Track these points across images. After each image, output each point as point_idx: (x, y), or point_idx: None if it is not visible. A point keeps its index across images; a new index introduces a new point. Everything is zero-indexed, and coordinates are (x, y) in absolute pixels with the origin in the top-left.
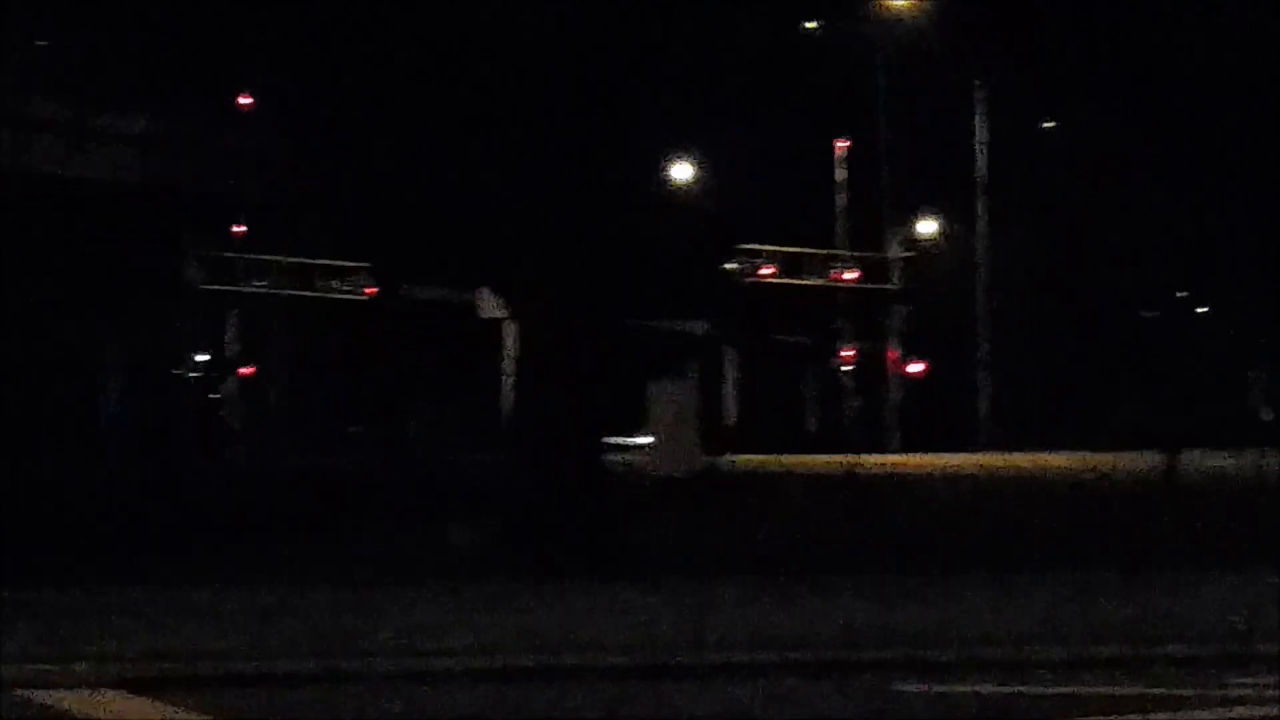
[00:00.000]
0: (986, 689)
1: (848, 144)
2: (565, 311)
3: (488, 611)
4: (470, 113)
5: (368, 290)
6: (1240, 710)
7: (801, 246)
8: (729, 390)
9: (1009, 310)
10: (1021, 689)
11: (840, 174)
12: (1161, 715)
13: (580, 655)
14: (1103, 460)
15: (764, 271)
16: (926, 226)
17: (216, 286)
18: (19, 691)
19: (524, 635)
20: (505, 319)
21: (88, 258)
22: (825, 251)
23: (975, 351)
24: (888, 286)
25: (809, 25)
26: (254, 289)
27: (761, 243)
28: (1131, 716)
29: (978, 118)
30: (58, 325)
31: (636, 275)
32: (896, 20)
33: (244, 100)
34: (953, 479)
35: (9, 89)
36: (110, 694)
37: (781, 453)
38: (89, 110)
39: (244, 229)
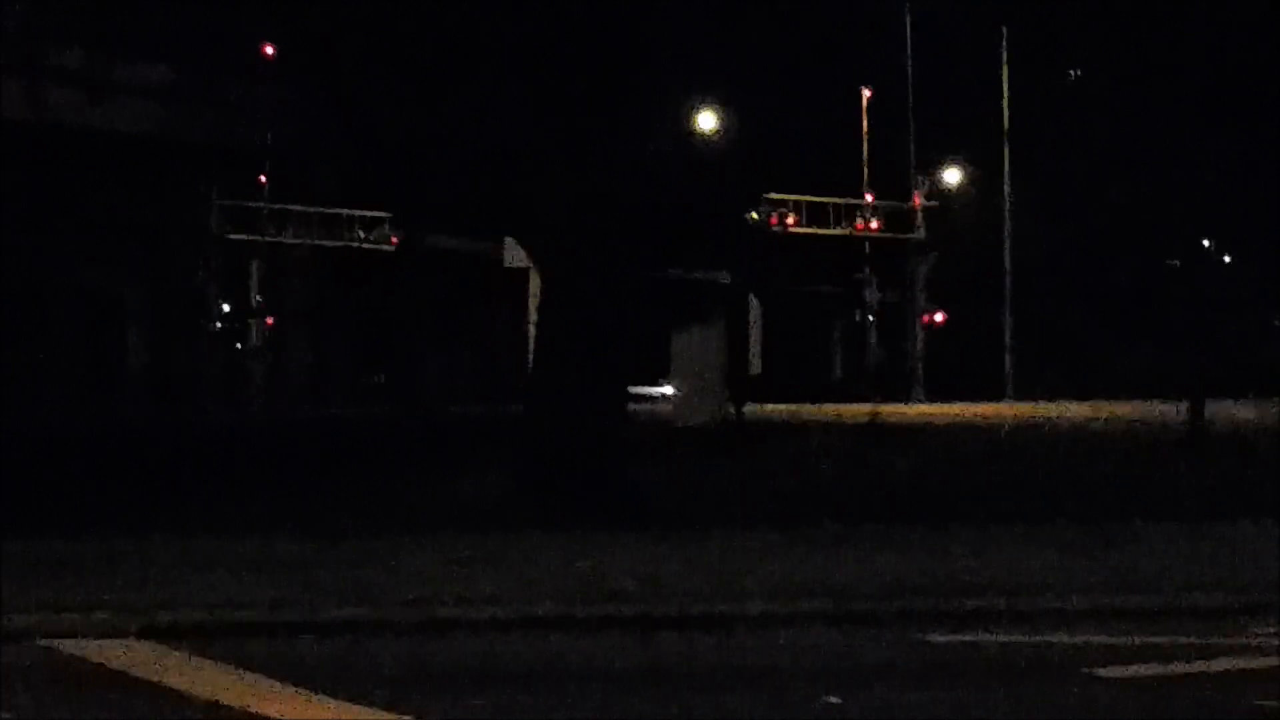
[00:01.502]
0: (1013, 638)
1: (871, 93)
2: (588, 260)
3: (506, 562)
4: (490, 59)
5: (392, 240)
6: (1262, 660)
7: (827, 196)
8: (753, 340)
9: (1033, 259)
10: (1048, 638)
11: (866, 123)
12: (1184, 664)
13: (601, 605)
14: (1127, 409)
15: (789, 220)
16: (951, 176)
17: (240, 236)
18: (42, 640)
19: (540, 585)
20: (530, 268)
21: (110, 208)
22: (850, 201)
23: (1000, 301)
24: (913, 236)
25: None
26: (278, 239)
27: (786, 192)
28: (1155, 665)
29: (1003, 67)
30: (82, 275)
31: (660, 224)
32: None
33: (268, 49)
34: (976, 428)
35: (30, 39)
36: (132, 643)
37: (807, 402)
38: (110, 61)
39: (267, 179)
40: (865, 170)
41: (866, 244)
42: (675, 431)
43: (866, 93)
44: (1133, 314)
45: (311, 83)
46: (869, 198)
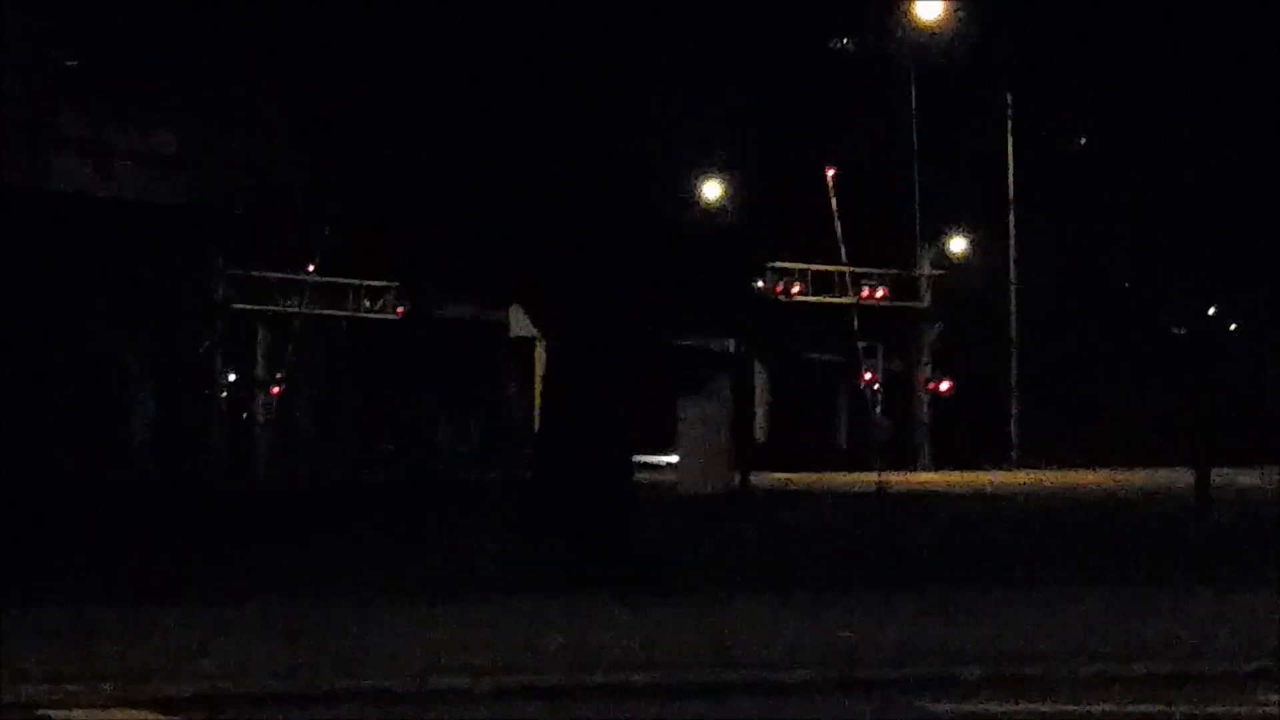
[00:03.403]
0: (1016, 707)
1: (834, 170)
2: (593, 327)
3: (510, 628)
4: (494, 120)
5: (398, 310)
6: None
7: (833, 264)
8: (759, 408)
9: (1040, 326)
10: (1052, 707)
11: (834, 202)
12: None
13: (605, 673)
14: (1134, 477)
15: (794, 289)
16: (957, 244)
17: (247, 305)
18: (43, 712)
19: (547, 652)
20: (535, 337)
21: (116, 274)
22: (856, 269)
23: (1006, 369)
24: (918, 304)
25: (841, 42)
26: (284, 308)
27: (792, 260)
28: None
29: (1008, 134)
30: (88, 345)
31: (666, 292)
32: (928, 37)
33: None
34: (982, 496)
35: (34, 107)
36: (136, 714)
37: (812, 470)
38: (115, 128)
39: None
40: (842, 247)
41: (871, 312)
42: (681, 499)
43: (831, 170)
44: (1140, 381)
45: (322, 151)
46: (861, 268)
